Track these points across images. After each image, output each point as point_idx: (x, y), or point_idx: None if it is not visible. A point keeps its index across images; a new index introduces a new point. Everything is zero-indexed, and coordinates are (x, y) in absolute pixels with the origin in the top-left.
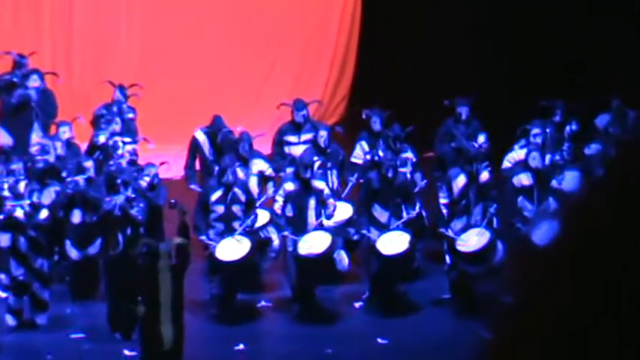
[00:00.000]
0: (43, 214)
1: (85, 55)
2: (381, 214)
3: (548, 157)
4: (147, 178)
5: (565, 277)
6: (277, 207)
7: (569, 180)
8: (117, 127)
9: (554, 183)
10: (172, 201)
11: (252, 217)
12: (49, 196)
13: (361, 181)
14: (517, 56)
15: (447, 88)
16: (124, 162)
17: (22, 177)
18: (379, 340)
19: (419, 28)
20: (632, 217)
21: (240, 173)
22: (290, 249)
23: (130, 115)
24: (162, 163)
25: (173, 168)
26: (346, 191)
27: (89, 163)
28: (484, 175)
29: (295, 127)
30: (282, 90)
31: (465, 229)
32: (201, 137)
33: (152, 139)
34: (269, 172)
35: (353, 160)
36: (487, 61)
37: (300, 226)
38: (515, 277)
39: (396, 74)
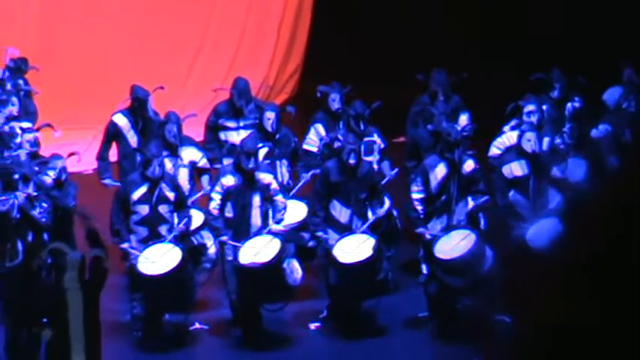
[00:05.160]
0: None
1: None
2: (340, 213)
3: (546, 140)
4: (52, 173)
5: (570, 290)
6: (213, 206)
7: (573, 169)
8: (13, 108)
9: (554, 173)
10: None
11: (184, 219)
12: None
13: (317, 172)
14: (504, 19)
15: (420, 57)
16: (23, 153)
17: None
18: None
19: None
20: None
21: (168, 164)
22: (229, 258)
23: (29, 92)
24: (70, 155)
25: (84, 159)
26: (297, 187)
27: None
28: (468, 165)
29: (235, 109)
30: (218, 63)
31: (445, 232)
32: (121, 121)
33: (58, 126)
34: (203, 162)
35: (306, 147)
36: (468, 24)
37: (241, 230)
38: (509, 291)
39: (358, 42)
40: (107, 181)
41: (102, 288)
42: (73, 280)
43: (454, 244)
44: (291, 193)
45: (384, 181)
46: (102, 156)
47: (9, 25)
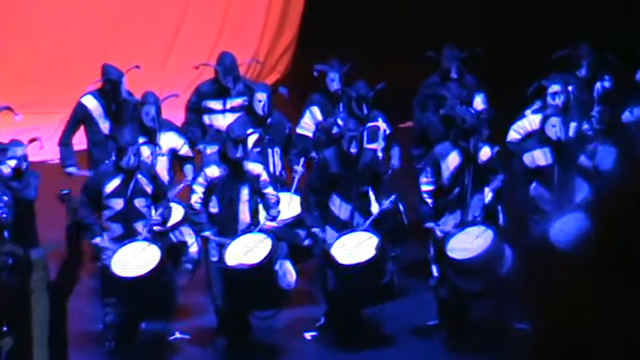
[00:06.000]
0: None
1: None
2: (340, 209)
3: (572, 125)
4: (12, 162)
5: (599, 293)
6: (195, 200)
7: (602, 157)
8: None
9: (581, 161)
10: (64, 192)
11: (162, 214)
12: None
13: (313, 155)
14: None
15: (431, 30)
16: None
17: None
18: None
19: None
20: None
21: (145, 152)
22: (214, 258)
23: None
24: (32, 140)
25: (49, 146)
26: (295, 183)
27: None
28: (484, 153)
29: (221, 89)
30: (202, 37)
31: (459, 228)
32: (91, 103)
33: (19, 109)
34: (184, 150)
35: (300, 131)
36: None
37: (228, 227)
38: (531, 295)
39: (360, 14)
40: (71, 170)
41: (72, 289)
42: (41, 280)
43: (469, 243)
44: (292, 190)
45: (389, 173)
46: (64, 141)
47: None
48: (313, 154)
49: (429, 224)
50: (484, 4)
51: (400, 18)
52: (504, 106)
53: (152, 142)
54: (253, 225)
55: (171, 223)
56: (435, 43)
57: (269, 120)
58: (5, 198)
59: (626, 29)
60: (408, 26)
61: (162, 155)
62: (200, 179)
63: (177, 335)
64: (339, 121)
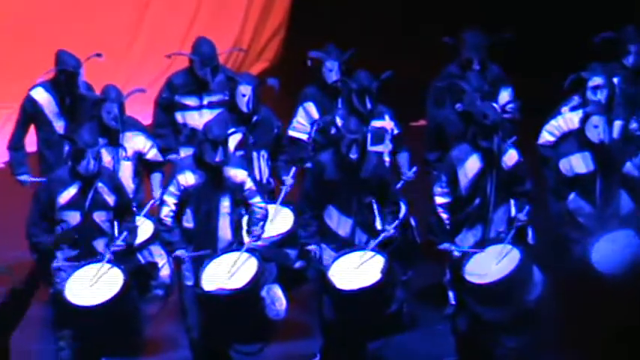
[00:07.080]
0: None
1: None
2: (339, 224)
3: (617, 124)
4: None
5: None
6: (167, 213)
7: None
8: None
9: (628, 168)
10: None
11: (126, 230)
12: None
13: (308, 165)
14: None
15: (446, 11)
16: None
17: None
18: None
19: None
20: None
21: (107, 157)
22: (189, 283)
23: None
24: None
25: None
26: (281, 196)
27: None
28: (510, 156)
29: (197, 82)
30: (174, 20)
31: (479, 247)
32: (41, 97)
33: None
34: (152, 154)
35: (292, 133)
36: None
37: (205, 245)
38: (567, 327)
39: None
40: (23, 178)
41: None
42: None
43: (491, 264)
44: (278, 202)
45: (398, 182)
46: (15, 144)
47: None
48: (308, 164)
49: (444, 245)
50: None
51: None
52: (534, 102)
53: (114, 144)
54: (235, 242)
55: (138, 240)
56: (449, 24)
57: (254, 118)
58: None
59: None
60: (419, 5)
61: (127, 160)
62: (172, 188)
63: None
64: (338, 119)
